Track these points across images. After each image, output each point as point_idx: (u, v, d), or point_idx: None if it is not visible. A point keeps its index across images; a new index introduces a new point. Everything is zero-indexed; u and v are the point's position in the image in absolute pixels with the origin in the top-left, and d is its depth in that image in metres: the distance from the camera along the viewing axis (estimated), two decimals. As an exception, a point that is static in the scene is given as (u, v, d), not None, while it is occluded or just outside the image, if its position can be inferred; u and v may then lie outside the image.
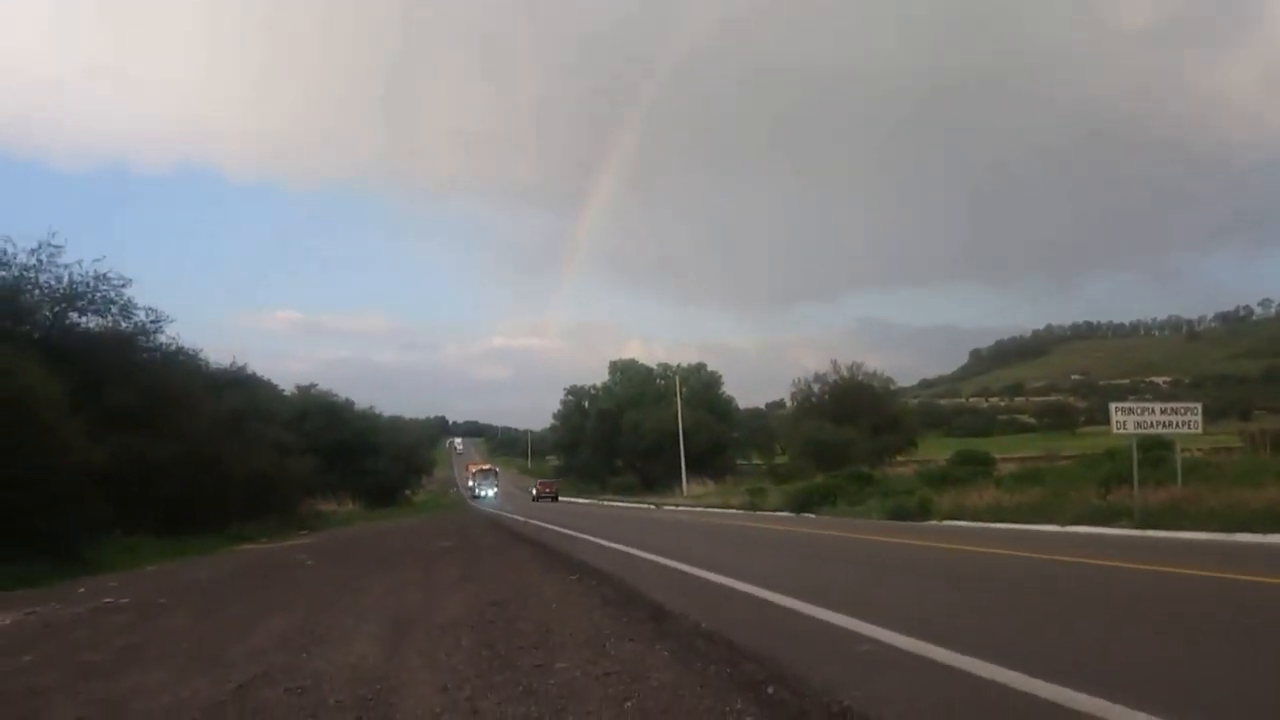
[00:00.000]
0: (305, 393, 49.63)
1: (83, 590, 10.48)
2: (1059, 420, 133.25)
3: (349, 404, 51.87)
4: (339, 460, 42.27)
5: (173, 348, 23.45)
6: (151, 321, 21.87)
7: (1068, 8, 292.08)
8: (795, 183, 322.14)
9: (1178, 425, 16.97)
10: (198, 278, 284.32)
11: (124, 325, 21.04)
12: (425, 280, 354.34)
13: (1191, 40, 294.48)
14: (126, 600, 9.29)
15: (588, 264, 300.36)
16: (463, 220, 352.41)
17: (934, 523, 21.32)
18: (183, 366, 24.29)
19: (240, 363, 34.55)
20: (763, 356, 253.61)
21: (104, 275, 20.22)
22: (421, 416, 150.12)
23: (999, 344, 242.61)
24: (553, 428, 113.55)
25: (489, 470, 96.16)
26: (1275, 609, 6.84)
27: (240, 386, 32.04)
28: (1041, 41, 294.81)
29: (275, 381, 47.82)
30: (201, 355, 27.05)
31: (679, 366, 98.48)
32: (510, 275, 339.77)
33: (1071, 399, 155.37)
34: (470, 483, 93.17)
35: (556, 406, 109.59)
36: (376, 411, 58.19)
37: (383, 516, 39.95)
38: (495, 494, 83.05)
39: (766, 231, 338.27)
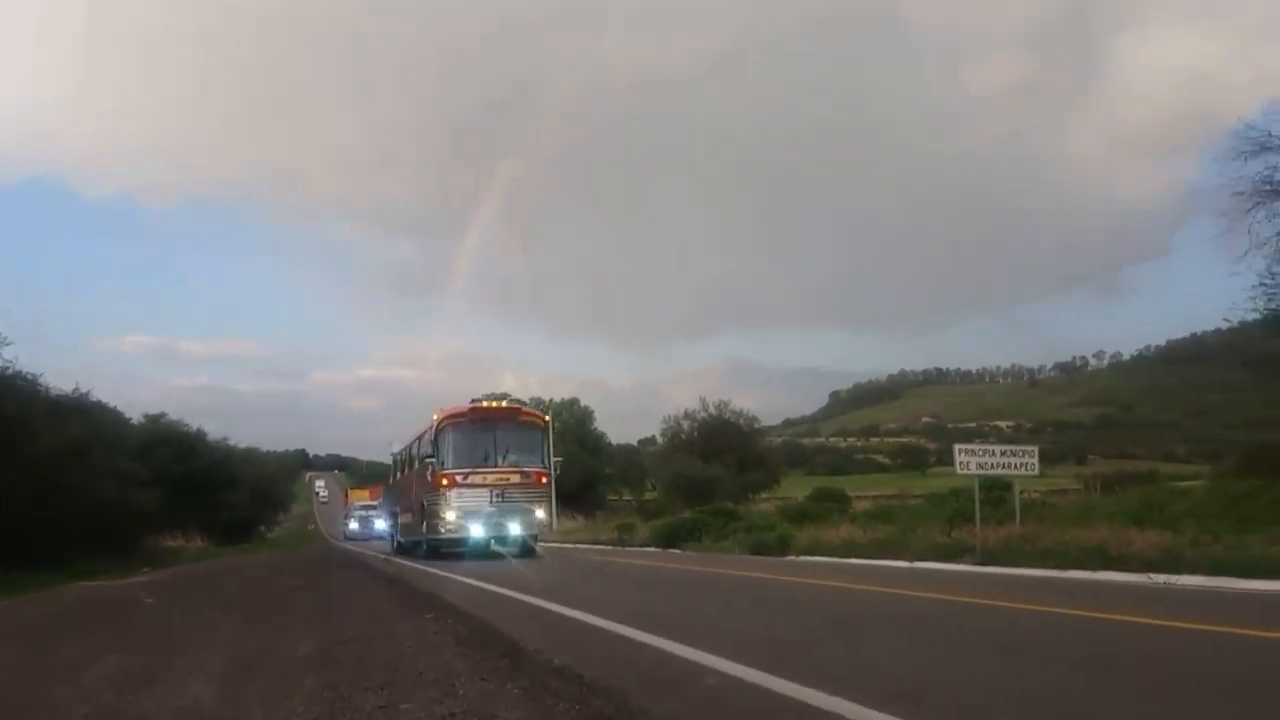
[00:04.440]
0: (154, 422, 47.19)
1: (-111, 632, 9.67)
2: (911, 460, 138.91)
3: (201, 434, 49.56)
4: (189, 493, 40.22)
5: (9, 371, 21.96)
6: (-13, 343, 20.48)
7: (931, 74, 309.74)
8: (676, 222, 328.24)
9: (1016, 467, 17.97)
10: (43, 298, 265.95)
11: (-43, 346, 19.64)
12: (293, 306, 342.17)
13: (1041, 105, 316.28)
14: (-60, 642, 8.63)
15: (465, 294, 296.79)
16: (335, 244, 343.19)
17: (791, 558, 21.87)
18: (20, 391, 22.72)
19: (84, 389, 32.41)
20: (638, 392, 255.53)
21: (-65, 294, 18.87)
22: (283, 449, 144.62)
23: (857, 386, 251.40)
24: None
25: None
26: (1100, 641, 7.30)
27: (83, 414, 30.07)
28: (904, 102, 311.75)
29: (124, 410, 45.08)
30: (41, 380, 25.26)
31: (551, 401, 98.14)
32: (384, 303, 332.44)
33: (923, 440, 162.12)
34: (445, 505, 22.04)
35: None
36: (231, 443, 55.68)
37: (235, 553, 38.16)
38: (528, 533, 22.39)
39: (645, 269, 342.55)
